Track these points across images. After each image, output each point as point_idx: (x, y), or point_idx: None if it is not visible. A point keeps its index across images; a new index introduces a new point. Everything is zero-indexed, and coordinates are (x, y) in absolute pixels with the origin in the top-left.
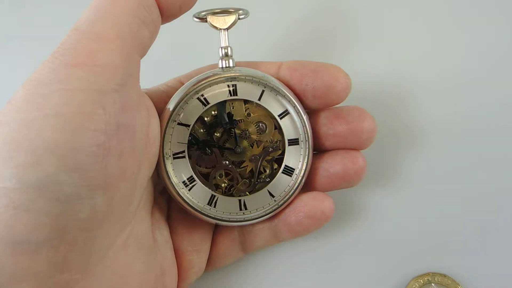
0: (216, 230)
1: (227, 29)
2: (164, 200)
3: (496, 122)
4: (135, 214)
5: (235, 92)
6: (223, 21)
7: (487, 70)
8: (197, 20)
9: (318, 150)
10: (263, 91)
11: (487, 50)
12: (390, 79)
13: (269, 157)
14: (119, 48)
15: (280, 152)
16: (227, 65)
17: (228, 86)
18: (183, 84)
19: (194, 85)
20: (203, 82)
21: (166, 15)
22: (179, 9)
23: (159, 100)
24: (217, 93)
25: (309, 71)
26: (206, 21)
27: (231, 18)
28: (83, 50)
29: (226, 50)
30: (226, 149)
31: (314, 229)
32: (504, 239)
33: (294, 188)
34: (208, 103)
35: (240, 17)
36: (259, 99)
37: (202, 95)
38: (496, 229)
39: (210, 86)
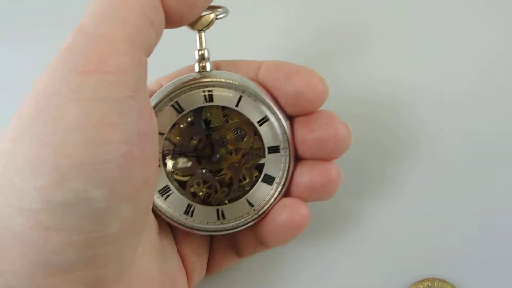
0: (212, 236)
1: (203, 30)
2: None
3: (496, 135)
4: (149, 219)
5: (211, 99)
6: (199, 22)
7: (492, 83)
8: None
9: (297, 158)
10: (240, 96)
11: (494, 62)
12: (387, 87)
13: (249, 165)
14: (129, 51)
15: (260, 159)
16: (203, 69)
17: (204, 92)
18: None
19: (168, 91)
20: (177, 89)
21: (168, 22)
22: (180, 18)
23: None
24: (192, 99)
25: (281, 75)
26: None
27: (208, 18)
28: (94, 55)
29: (202, 52)
30: (202, 157)
31: (290, 238)
32: (505, 245)
33: (274, 197)
34: (182, 110)
35: (219, 16)
36: (237, 105)
37: (176, 102)
38: (496, 235)
39: (184, 93)
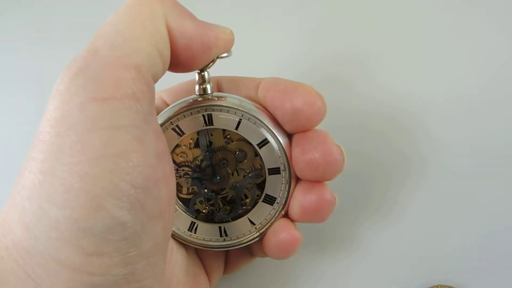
0: None
1: (204, 70)
2: None
3: (505, 149)
4: None
5: (210, 122)
6: None
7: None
8: None
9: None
10: (240, 120)
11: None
12: (393, 101)
13: (251, 185)
14: (142, 77)
15: (261, 179)
16: (204, 92)
17: (204, 116)
18: (164, 100)
19: (169, 116)
20: (177, 113)
21: (171, 64)
22: (181, 65)
23: None
24: (192, 122)
25: (279, 92)
26: None
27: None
28: (109, 81)
29: (202, 74)
30: (204, 179)
31: (285, 256)
32: None
33: (275, 216)
34: (183, 133)
35: (221, 56)
36: (236, 128)
37: (177, 126)
38: (505, 242)
39: (184, 117)
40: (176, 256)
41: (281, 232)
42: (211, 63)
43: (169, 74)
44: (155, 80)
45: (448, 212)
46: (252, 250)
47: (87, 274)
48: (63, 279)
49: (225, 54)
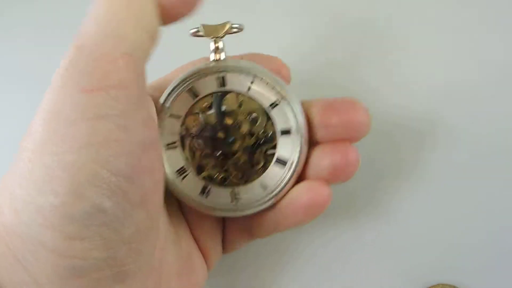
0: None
1: (220, 36)
2: None
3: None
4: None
5: (224, 83)
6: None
7: None
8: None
9: (312, 142)
10: (252, 81)
11: None
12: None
13: (262, 148)
14: (129, 66)
15: (273, 143)
16: (218, 58)
17: (218, 78)
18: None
19: (183, 78)
20: (192, 74)
21: (164, 20)
22: (176, 15)
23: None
24: (206, 84)
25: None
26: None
27: (224, 26)
28: (96, 74)
29: (217, 45)
30: (217, 141)
31: (311, 218)
32: None
33: (287, 179)
34: (197, 95)
35: (233, 26)
36: (249, 90)
37: (192, 87)
38: (508, 241)
39: (199, 79)
40: (167, 244)
41: (309, 191)
42: (226, 32)
43: (181, 52)
44: (145, 57)
45: (448, 211)
46: (252, 228)
47: (70, 258)
48: (49, 263)
49: (236, 26)
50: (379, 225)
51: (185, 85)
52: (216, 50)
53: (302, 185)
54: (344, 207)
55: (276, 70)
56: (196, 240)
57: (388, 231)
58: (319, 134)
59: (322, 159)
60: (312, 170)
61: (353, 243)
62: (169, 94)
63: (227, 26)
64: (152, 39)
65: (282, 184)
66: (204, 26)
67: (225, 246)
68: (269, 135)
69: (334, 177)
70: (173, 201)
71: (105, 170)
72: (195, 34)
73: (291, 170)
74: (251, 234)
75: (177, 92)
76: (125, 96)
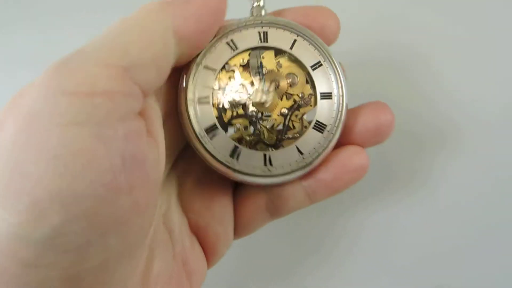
0: (239, 198)
1: None
2: (175, 177)
3: None
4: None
5: (266, 39)
6: None
7: None
8: None
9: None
10: (295, 40)
11: None
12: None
13: (299, 112)
14: (121, 77)
15: (311, 107)
16: (259, 14)
17: (259, 32)
18: None
19: (223, 28)
20: (233, 26)
21: (182, 46)
22: (195, 48)
23: None
24: (246, 38)
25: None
26: None
27: None
28: (84, 76)
29: (258, 3)
30: (252, 99)
31: (352, 183)
32: None
33: (325, 145)
34: (236, 48)
35: None
36: (291, 48)
37: (231, 40)
38: (506, 244)
39: (240, 31)
40: (154, 262)
41: (355, 155)
42: None
43: None
44: (145, 88)
45: (449, 211)
46: (280, 201)
47: (24, 286)
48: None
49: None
50: (376, 229)
51: (224, 36)
52: (257, 7)
53: (345, 150)
54: (343, 210)
55: (324, 20)
56: (203, 229)
57: (386, 234)
58: None
59: (365, 120)
60: (352, 132)
61: (350, 246)
62: (207, 44)
63: None
64: (158, 73)
65: (321, 150)
66: None
67: (238, 230)
68: (308, 98)
69: (376, 137)
70: (173, 198)
71: (72, 188)
72: None
73: (331, 135)
74: (276, 209)
75: (214, 42)
76: (109, 106)
